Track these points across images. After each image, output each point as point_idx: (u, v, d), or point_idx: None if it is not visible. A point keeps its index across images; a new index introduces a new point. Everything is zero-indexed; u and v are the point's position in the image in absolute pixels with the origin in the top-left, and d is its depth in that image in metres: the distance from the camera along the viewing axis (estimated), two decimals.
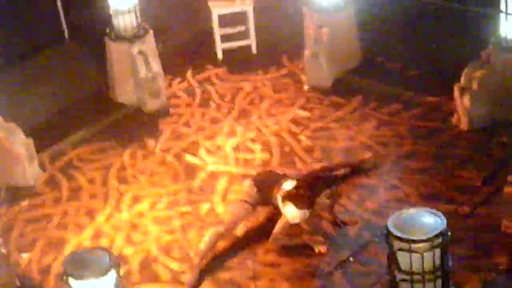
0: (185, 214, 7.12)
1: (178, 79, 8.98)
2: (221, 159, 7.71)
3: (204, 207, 7.17)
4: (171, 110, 8.51)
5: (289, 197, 6.48)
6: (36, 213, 7.32)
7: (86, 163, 7.87)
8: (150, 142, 8.03)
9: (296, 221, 6.55)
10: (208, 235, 6.59)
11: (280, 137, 7.91)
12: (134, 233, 7.00)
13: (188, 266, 6.56)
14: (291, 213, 6.50)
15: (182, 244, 6.82)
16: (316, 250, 6.56)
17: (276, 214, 6.66)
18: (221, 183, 7.38)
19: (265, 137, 7.94)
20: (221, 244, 6.66)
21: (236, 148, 7.83)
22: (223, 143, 7.93)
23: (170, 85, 8.89)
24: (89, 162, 7.89)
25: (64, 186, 7.59)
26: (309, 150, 7.67)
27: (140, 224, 7.07)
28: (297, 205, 6.46)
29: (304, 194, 6.45)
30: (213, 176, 7.50)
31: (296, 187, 6.49)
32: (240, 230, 6.77)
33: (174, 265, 6.63)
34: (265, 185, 6.72)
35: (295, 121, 8.11)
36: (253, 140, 7.93)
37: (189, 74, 9.01)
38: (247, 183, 6.84)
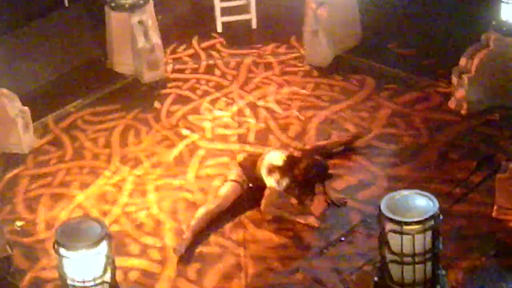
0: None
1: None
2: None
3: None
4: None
5: (274, 168, 6.62)
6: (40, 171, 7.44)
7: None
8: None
9: (281, 187, 6.62)
10: (199, 212, 6.64)
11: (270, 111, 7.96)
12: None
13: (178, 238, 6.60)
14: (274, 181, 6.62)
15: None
16: (306, 222, 6.60)
17: (262, 188, 6.73)
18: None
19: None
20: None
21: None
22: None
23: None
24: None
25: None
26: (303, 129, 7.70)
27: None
28: (281, 174, 6.58)
29: (289, 167, 6.56)
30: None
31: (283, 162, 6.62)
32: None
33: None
34: (249, 163, 6.86)
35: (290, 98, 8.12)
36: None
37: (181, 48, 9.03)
38: (233, 165, 7.00)
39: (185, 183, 7.16)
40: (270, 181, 6.66)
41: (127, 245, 6.59)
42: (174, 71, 8.69)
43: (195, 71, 8.69)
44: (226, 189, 6.79)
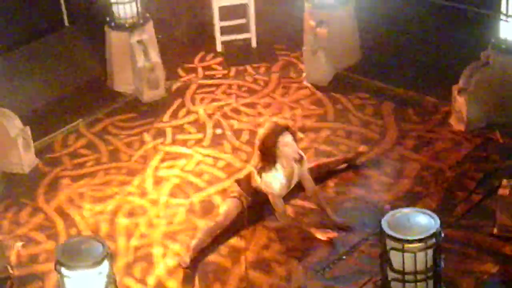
0: None
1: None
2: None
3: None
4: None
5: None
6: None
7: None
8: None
9: (277, 187, 6.59)
10: (200, 232, 6.63)
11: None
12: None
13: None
14: (267, 181, 6.58)
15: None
16: (323, 237, 6.55)
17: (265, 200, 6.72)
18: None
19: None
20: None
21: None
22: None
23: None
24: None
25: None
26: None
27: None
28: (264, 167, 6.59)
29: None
30: None
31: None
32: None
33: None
34: (244, 178, 6.87)
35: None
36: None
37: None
38: (231, 183, 7.01)
39: None
40: (263, 183, 6.61)
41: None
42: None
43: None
44: (226, 206, 6.76)
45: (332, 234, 6.56)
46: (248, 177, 6.82)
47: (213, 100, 8.48)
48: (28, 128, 7.68)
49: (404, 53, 8.79)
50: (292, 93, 8.49)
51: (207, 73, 8.95)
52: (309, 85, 8.55)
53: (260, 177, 6.61)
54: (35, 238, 6.91)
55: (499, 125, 7.64)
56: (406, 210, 5.53)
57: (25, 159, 7.62)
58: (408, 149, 7.53)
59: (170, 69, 8.85)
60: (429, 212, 5.48)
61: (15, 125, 7.60)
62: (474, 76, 7.59)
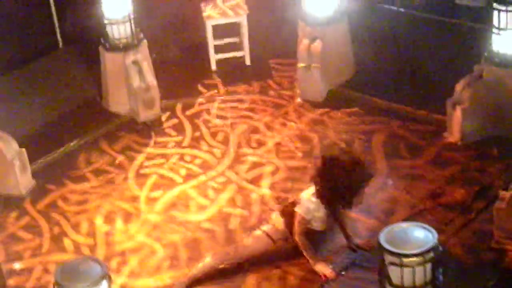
0: None
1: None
2: None
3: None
4: None
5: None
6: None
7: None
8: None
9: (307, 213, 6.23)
10: (203, 264, 6.32)
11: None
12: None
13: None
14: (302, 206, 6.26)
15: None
16: (322, 272, 6.28)
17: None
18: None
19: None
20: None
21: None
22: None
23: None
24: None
25: None
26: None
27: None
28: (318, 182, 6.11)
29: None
30: None
31: None
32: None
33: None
34: (288, 212, 6.33)
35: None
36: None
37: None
38: (274, 215, 6.47)
39: None
40: (299, 209, 6.25)
41: None
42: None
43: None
44: (251, 239, 6.32)
45: (330, 275, 6.27)
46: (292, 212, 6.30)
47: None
48: (24, 150, 7.68)
49: (397, 68, 8.81)
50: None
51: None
52: (303, 102, 8.56)
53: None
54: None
55: (494, 138, 7.66)
56: (403, 225, 5.54)
57: (21, 181, 7.62)
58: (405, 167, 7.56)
59: (165, 88, 8.85)
60: (426, 226, 5.49)
61: (11, 148, 7.60)
62: (468, 90, 7.62)
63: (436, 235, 5.39)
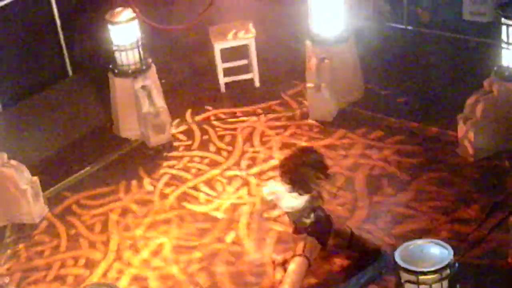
0: None
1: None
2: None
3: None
4: None
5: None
6: None
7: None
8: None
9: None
10: None
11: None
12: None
13: None
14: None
15: None
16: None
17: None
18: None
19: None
20: None
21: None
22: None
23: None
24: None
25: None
26: None
27: None
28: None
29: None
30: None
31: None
32: None
33: None
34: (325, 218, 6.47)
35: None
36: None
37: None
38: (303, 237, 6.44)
39: None
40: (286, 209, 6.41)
41: None
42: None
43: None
44: (296, 265, 6.26)
45: None
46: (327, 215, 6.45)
47: None
48: (37, 179, 7.70)
49: (406, 85, 8.80)
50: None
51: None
52: (314, 122, 8.56)
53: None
54: None
55: (506, 151, 7.64)
56: (419, 242, 5.52)
57: (34, 209, 7.64)
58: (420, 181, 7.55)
59: (175, 112, 8.87)
60: (442, 242, 5.47)
61: (24, 177, 7.62)
62: (479, 105, 7.61)
63: (452, 251, 5.36)
